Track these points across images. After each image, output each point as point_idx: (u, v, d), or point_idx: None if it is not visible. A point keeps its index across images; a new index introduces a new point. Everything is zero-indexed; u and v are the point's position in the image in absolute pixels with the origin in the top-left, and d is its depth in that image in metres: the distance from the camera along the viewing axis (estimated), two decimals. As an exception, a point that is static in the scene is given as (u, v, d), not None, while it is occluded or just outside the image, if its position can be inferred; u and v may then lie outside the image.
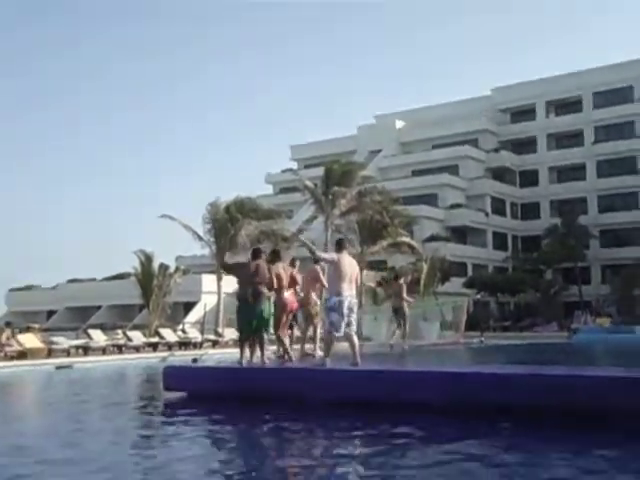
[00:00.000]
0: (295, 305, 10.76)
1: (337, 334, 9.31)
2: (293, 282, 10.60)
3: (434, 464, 5.04)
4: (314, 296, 11.52)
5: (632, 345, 21.23)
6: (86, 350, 22.08)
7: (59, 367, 17.36)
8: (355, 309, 9.48)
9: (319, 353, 11.42)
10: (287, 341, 10.57)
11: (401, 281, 16.70)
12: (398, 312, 15.93)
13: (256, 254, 10.19)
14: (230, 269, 10.67)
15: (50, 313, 48.68)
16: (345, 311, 9.21)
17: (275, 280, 10.07)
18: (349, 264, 9.41)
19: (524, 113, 61.94)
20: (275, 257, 10.60)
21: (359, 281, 9.77)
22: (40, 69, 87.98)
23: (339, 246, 9.68)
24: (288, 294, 10.44)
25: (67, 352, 21.47)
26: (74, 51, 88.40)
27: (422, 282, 36.12)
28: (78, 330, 29.69)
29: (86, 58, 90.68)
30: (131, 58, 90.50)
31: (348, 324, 9.28)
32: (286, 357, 10.35)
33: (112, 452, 5.72)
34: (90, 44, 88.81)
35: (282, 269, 10.39)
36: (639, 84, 57.21)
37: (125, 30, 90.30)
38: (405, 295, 16.01)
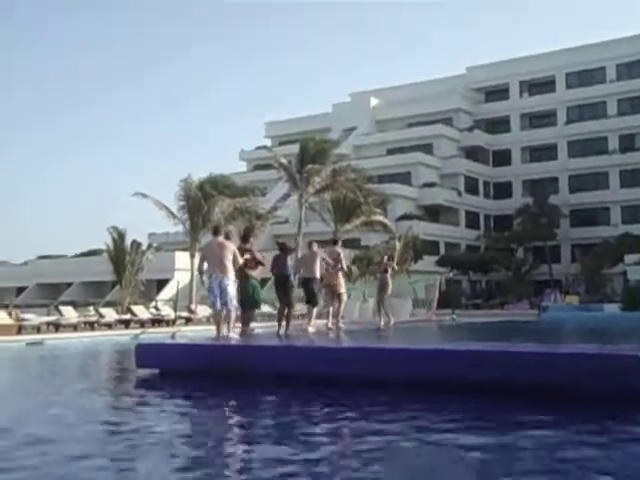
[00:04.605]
0: None
1: (214, 312, 10.44)
2: None
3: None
4: (340, 276, 12.88)
5: (600, 323, 21.64)
6: (57, 327, 21.92)
7: (30, 344, 17.23)
8: (229, 289, 10.31)
9: (335, 327, 12.84)
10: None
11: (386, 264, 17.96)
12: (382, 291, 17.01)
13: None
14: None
15: (19, 290, 48.16)
16: (216, 291, 10.19)
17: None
18: (218, 247, 10.32)
19: (498, 92, 62.26)
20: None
21: (239, 260, 10.44)
22: None
23: (213, 232, 10.86)
24: None
25: (37, 329, 21.30)
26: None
27: (395, 260, 36.32)
28: (49, 307, 29.41)
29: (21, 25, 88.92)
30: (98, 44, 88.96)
31: (225, 303, 10.27)
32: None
33: (81, 429, 5.71)
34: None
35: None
36: (612, 65, 57.74)
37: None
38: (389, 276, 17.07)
